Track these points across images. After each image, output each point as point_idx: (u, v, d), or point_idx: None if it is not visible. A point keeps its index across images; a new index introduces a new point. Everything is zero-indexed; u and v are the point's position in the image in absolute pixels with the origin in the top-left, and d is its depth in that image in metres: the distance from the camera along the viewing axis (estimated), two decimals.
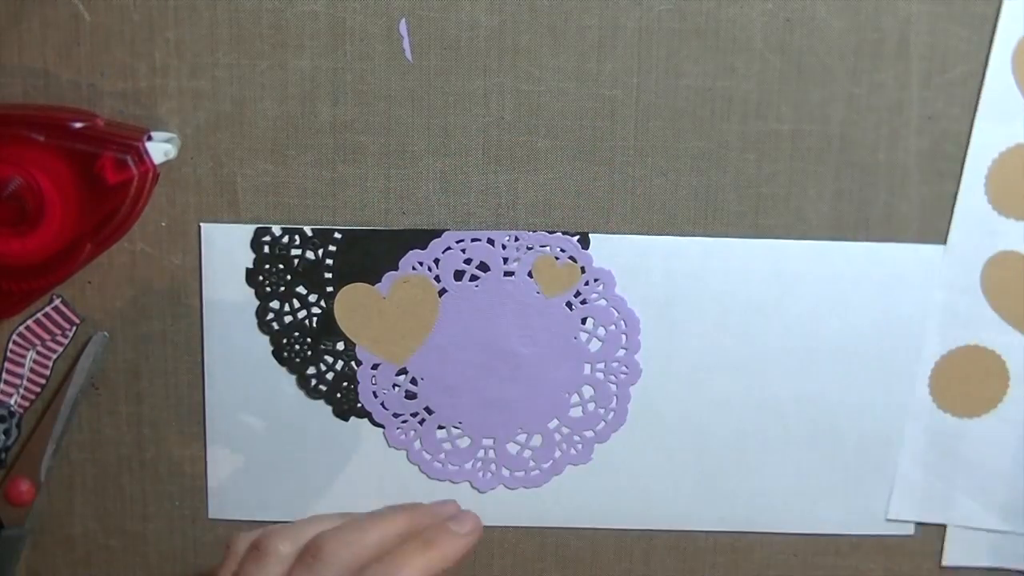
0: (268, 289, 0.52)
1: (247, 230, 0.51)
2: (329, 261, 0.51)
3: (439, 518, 0.49)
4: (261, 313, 0.52)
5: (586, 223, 0.51)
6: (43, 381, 0.52)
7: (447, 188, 0.51)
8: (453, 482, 0.54)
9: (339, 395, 0.53)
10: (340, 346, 0.52)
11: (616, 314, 0.52)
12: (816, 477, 0.54)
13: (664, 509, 0.54)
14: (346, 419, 0.53)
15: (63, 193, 0.46)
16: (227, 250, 0.51)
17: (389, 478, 0.53)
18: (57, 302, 0.51)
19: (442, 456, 0.53)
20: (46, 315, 0.51)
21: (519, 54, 0.50)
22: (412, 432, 0.53)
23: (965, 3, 0.49)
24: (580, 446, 0.53)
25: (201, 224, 0.51)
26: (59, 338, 0.52)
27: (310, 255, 0.51)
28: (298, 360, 0.52)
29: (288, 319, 0.52)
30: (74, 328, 0.52)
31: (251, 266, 0.51)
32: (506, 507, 0.54)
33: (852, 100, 0.50)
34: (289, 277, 0.51)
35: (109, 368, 0.52)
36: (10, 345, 0.52)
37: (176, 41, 0.49)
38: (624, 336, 0.52)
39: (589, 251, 0.51)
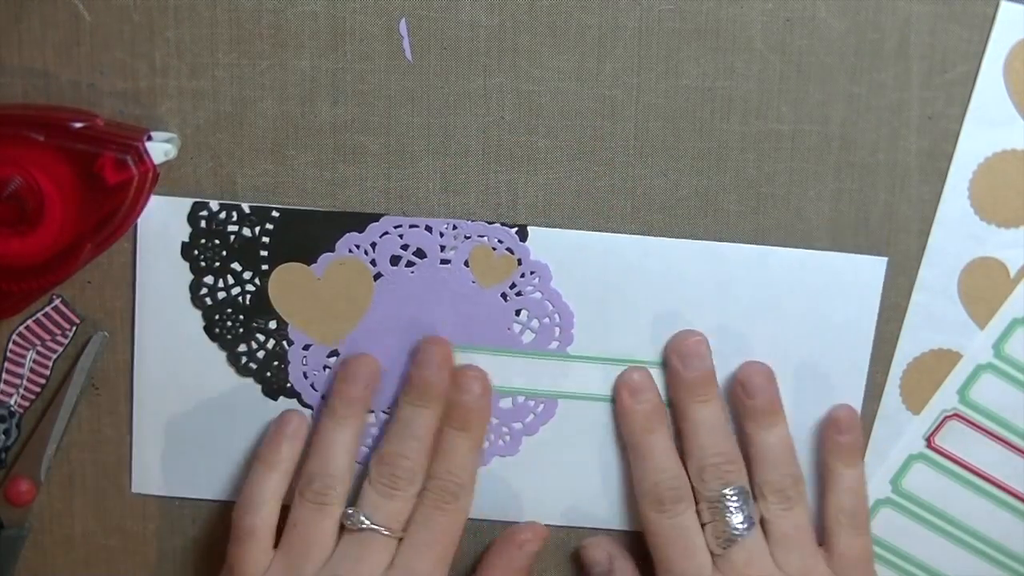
0: (203, 264, 0.51)
1: (184, 204, 0.51)
2: (265, 239, 0.51)
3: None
4: (195, 288, 0.52)
5: (586, 223, 0.51)
6: (43, 381, 0.52)
7: (447, 188, 0.51)
8: None
9: (269, 374, 0.52)
10: (272, 325, 0.52)
11: (551, 307, 0.52)
12: None
13: (591, 505, 0.54)
14: (275, 398, 0.53)
15: (63, 193, 0.46)
16: (163, 222, 0.51)
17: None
18: (57, 302, 0.51)
19: (369, 441, 0.53)
20: (46, 315, 0.51)
21: (519, 54, 0.50)
22: None
23: (965, 3, 0.49)
24: (508, 438, 0.53)
25: None
26: (59, 338, 0.52)
27: (247, 232, 0.51)
28: (230, 337, 0.52)
29: (222, 295, 0.52)
30: (74, 328, 0.52)
31: (187, 240, 0.51)
32: None
33: (852, 100, 0.50)
34: (224, 253, 0.51)
35: (109, 368, 0.52)
36: (10, 345, 0.52)
37: (176, 41, 0.49)
38: (557, 329, 0.52)
39: (527, 244, 0.51)
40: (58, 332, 0.52)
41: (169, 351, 0.52)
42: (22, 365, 0.52)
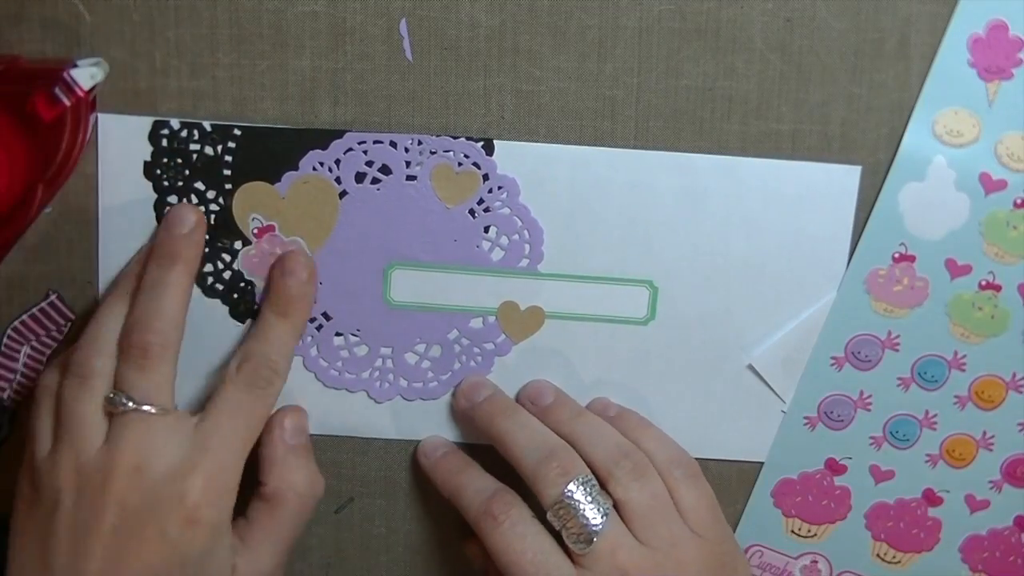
0: (166, 184, 0.50)
1: (145, 122, 0.50)
2: (228, 158, 0.50)
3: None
4: (159, 208, 0.50)
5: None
6: (37, 377, 0.51)
7: None
8: (349, 391, 0.52)
9: (236, 296, 0.51)
10: (238, 245, 0.51)
11: (519, 223, 0.51)
12: (714, 399, 0.52)
13: None
14: (242, 320, 0.51)
15: (5, 142, 0.45)
16: (124, 142, 0.50)
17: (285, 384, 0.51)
18: (53, 298, 0.51)
19: (339, 364, 0.52)
20: (42, 311, 0.51)
21: (519, 54, 0.50)
22: (309, 338, 0.52)
23: None
24: (480, 358, 0.52)
25: (98, 115, 0.49)
26: (54, 334, 0.51)
27: (209, 151, 0.50)
28: None
29: None
30: (69, 324, 0.51)
31: (149, 159, 0.50)
32: (403, 418, 0.53)
33: (852, 100, 0.50)
34: (187, 172, 0.50)
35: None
36: (5, 340, 0.51)
37: (176, 41, 0.49)
38: (527, 246, 0.51)
39: (493, 158, 0.50)
40: (53, 328, 0.51)
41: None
42: (16, 360, 0.51)
